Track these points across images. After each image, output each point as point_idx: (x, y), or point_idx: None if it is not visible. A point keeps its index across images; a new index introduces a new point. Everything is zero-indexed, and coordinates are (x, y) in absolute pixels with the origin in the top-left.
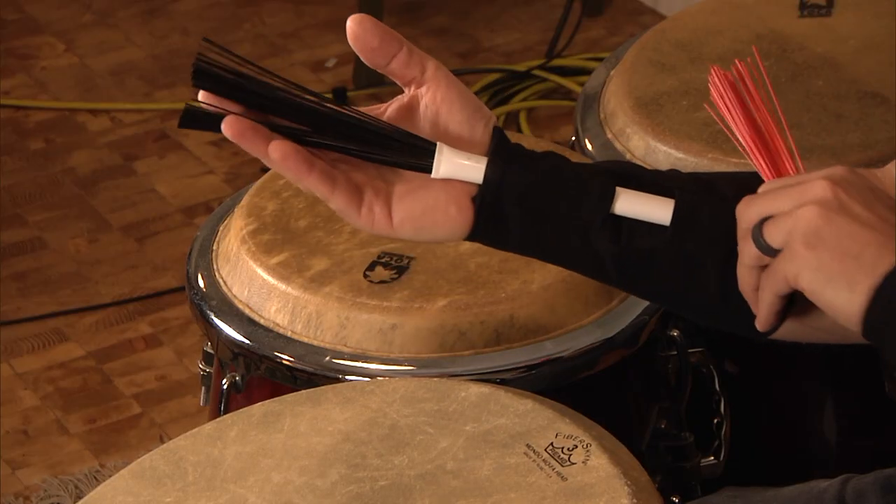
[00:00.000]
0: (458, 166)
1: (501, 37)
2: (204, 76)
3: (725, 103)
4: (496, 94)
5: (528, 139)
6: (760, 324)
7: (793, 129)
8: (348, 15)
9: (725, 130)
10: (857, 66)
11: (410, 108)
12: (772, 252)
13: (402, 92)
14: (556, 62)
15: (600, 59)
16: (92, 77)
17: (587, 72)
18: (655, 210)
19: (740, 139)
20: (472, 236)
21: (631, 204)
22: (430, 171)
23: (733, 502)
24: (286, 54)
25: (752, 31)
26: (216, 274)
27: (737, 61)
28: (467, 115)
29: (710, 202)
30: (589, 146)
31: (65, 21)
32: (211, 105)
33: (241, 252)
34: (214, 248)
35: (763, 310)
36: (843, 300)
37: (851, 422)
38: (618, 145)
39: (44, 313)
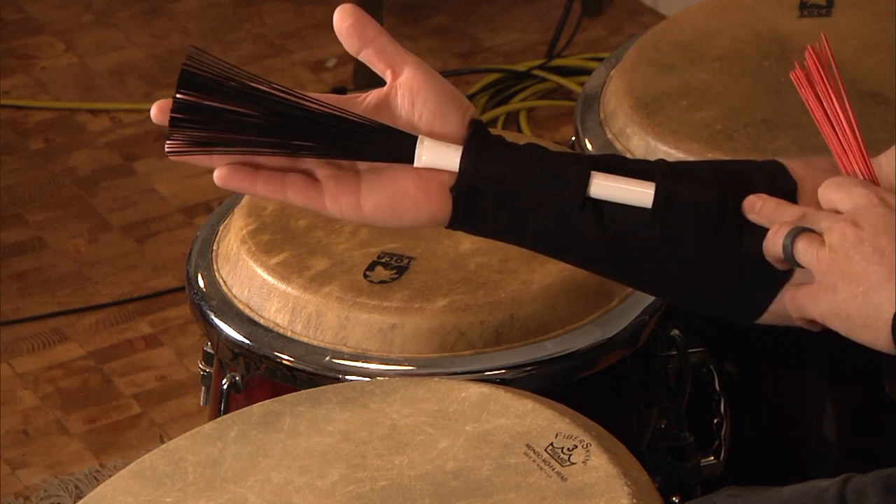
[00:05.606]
0: (439, 155)
1: (501, 37)
2: (190, 79)
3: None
4: (496, 94)
5: (526, 139)
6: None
7: (793, 129)
8: None
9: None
10: (857, 66)
11: (388, 98)
12: (795, 265)
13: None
14: (557, 62)
15: (600, 59)
16: (92, 77)
17: (587, 72)
18: (634, 193)
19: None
20: (453, 224)
21: (608, 188)
22: (411, 163)
23: (733, 502)
24: (286, 54)
25: (752, 31)
26: (216, 274)
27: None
28: (443, 105)
29: (689, 185)
30: (589, 146)
31: (65, 21)
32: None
33: (241, 252)
34: (214, 248)
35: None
36: (869, 340)
37: (851, 422)
38: (618, 145)
39: (44, 313)
